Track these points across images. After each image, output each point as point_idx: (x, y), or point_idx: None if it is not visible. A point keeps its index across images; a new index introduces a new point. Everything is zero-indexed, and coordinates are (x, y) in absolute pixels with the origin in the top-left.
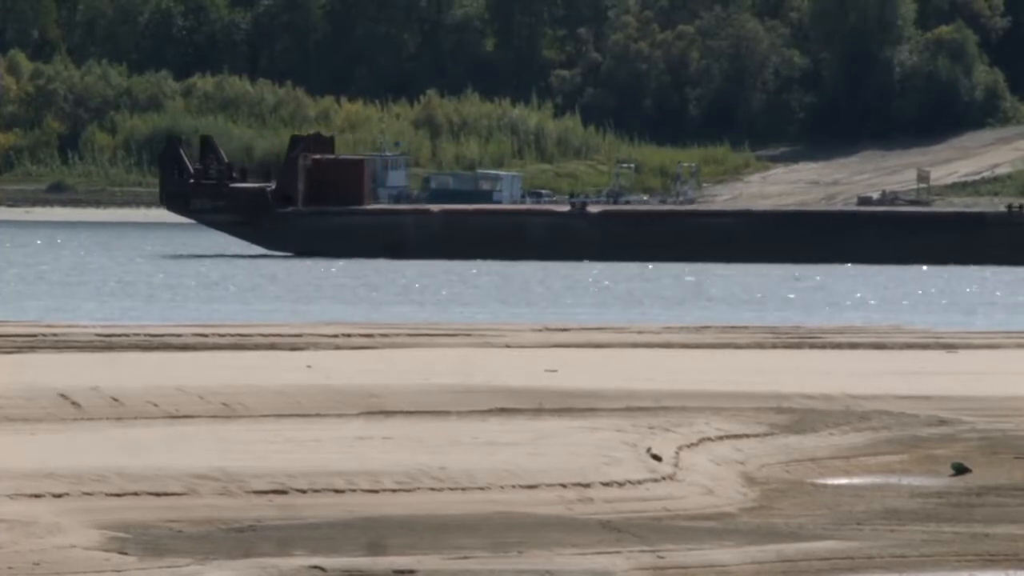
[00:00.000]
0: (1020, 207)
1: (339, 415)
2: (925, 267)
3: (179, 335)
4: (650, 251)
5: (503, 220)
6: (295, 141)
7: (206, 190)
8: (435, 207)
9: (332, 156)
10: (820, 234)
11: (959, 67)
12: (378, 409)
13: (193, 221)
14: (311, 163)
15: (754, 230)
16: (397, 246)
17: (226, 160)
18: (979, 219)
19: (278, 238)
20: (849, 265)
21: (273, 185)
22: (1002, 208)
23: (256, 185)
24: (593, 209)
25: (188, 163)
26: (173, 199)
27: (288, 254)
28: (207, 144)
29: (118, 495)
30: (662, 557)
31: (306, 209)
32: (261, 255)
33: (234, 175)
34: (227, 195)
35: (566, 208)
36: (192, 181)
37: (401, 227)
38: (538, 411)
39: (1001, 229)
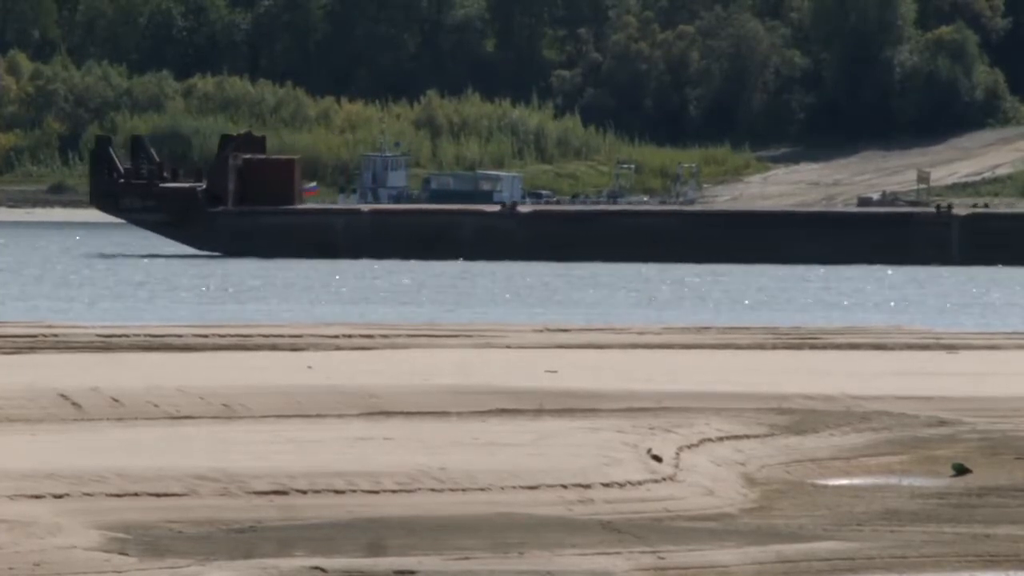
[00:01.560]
0: (948, 207)
1: (339, 416)
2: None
3: (180, 336)
4: (580, 251)
5: (433, 220)
6: (226, 140)
7: (136, 190)
8: (365, 207)
9: (263, 156)
10: (749, 234)
11: (959, 67)
12: (378, 410)
13: (123, 221)
14: (242, 163)
15: (684, 230)
16: (327, 246)
17: (157, 160)
18: (906, 219)
19: (208, 238)
20: (777, 266)
21: (203, 185)
22: (931, 209)
23: (186, 185)
24: (523, 209)
25: (118, 162)
26: (103, 198)
27: (217, 254)
28: (138, 144)
29: (118, 496)
30: (663, 558)
31: (236, 209)
32: (191, 255)
33: (165, 175)
34: (157, 195)
35: (496, 208)
36: (122, 181)
37: (331, 227)
38: (539, 412)
39: (928, 229)
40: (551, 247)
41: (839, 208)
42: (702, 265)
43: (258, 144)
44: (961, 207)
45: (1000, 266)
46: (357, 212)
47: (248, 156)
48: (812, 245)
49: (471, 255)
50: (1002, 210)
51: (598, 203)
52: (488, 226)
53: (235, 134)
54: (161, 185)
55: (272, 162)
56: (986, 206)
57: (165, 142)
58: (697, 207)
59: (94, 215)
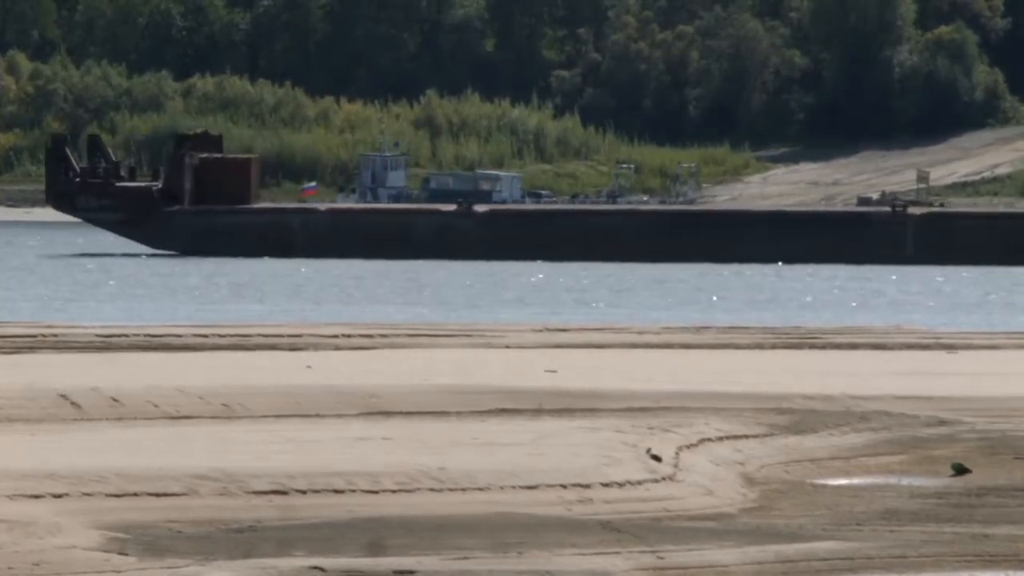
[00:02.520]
0: (904, 207)
1: (339, 415)
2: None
3: (179, 335)
4: (536, 251)
5: (390, 219)
6: (182, 139)
7: (92, 189)
8: (322, 206)
9: (219, 155)
10: (706, 234)
11: (959, 67)
12: (378, 410)
13: (80, 220)
14: (198, 162)
15: (640, 230)
16: (284, 246)
17: (114, 159)
18: (864, 219)
19: (164, 237)
20: (736, 265)
21: (159, 184)
22: (887, 208)
23: (142, 184)
24: (480, 208)
25: (75, 162)
26: (59, 198)
27: (173, 253)
28: (95, 143)
29: (118, 495)
30: (662, 558)
31: (192, 208)
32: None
33: (122, 174)
34: (113, 194)
35: (453, 207)
36: (78, 180)
37: (288, 226)
38: (538, 411)
39: (884, 229)
40: (508, 246)
41: (794, 208)
42: (660, 265)
43: (215, 143)
44: (917, 207)
45: (953, 265)
46: (314, 211)
47: (204, 155)
48: (768, 245)
49: (428, 254)
50: (957, 210)
51: (597, 203)
52: (446, 225)
53: (192, 133)
54: (117, 184)
55: (228, 161)
56: (942, 205)
57: (165, 142)
58: (655, 207)
59: None
